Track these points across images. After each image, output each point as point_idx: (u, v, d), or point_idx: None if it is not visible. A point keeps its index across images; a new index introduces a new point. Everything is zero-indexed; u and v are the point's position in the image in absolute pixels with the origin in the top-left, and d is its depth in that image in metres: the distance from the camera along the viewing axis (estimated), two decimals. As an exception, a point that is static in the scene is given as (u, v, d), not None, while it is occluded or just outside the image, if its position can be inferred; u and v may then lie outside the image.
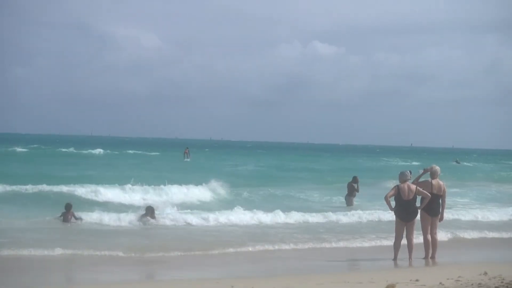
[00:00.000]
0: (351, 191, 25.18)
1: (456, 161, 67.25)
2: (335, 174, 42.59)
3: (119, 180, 26.85)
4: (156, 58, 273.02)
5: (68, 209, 18.63)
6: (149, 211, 18.88)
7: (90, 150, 69.55)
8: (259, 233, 17.57)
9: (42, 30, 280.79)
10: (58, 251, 13.68)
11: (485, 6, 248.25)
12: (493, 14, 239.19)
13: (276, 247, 15.46)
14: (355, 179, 25.52)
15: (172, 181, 27.14)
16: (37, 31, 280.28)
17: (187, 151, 66.72)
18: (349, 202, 24.79)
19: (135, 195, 24.64)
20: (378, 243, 16.47)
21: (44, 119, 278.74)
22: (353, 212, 21.63)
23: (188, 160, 63.73)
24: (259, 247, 15.25)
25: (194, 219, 19.24)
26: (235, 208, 21.20)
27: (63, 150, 71.43)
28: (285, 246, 15.60)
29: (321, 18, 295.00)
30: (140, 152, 76.68)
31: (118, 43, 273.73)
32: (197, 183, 27.59)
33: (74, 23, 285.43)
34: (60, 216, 18.49)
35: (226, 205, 23.31)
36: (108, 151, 72.50)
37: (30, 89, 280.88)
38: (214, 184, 27.91)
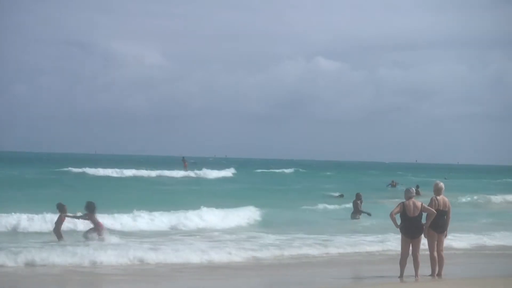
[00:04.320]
0: (357, 209, 25.25)
1: (445, 178, 67.27)
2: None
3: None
4: (159, 75, 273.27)
5: (93, 211, 17.90)
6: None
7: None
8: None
9: (43, 47, 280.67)
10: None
11: (490, 21, 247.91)
12: (498, 29, 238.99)
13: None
14: (358, 196, 25.61)
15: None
16: (38, 48, 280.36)
17: (186, 164, 67.21)
18: (354, 220, 24.79)
19: None
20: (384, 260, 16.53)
21: (47, 137, 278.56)
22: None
23: (187, 171, 64.31)
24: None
25: None
26: None
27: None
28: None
29: (325, 34, 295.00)
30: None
31: (120, 60, 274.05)
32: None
33: (75, 40, 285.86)
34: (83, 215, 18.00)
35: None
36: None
37: (31, 107, 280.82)
38: None
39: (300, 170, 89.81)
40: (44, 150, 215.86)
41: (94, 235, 17.61)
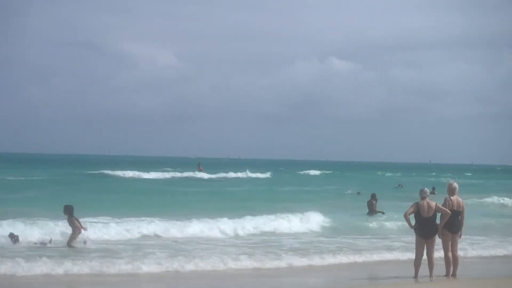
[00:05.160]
0: (371, 209, 25.32)
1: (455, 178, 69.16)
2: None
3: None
4: (172, 76, 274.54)
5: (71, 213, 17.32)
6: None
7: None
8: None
9: (56, 49, 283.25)
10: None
11: (502, 21, 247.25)
12: (510, 29, 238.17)
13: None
14: (373, 197, 25.69)
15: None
16: (51, 50, 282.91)
17: (201, 168, 67.95)
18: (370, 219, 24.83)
19: None
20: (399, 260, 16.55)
21: (61, 139, 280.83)
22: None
23: (202, 173, 64.98)
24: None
25: None
26: None
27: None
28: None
29: (338, 35, 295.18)
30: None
31: (133, 61, 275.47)
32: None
33: (88, 42, 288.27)
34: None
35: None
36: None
37: (46, 109, 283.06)
38: None
39: (326, 172, 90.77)
40: (57, 152, 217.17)
41: (75, 241, 17.18)
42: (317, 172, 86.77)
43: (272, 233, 21.61)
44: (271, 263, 15.56)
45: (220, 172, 69.44)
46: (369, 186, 47.97)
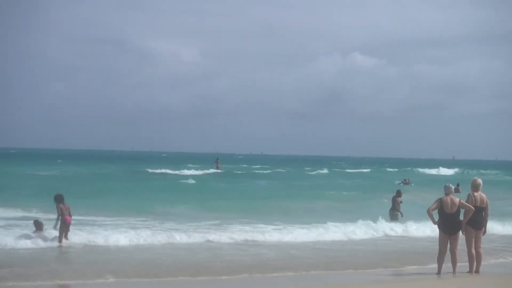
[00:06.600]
0: (395, 205, 25.14)
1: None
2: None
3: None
4: (195, 73, 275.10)
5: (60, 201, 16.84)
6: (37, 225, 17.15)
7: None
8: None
9: (79, 46, 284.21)
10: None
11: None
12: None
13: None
14: (398, 193, 25.51)
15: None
16: (74, 47, 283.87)
17: (218, 164, 67.82)
18: (392, 217, 24.65)
19: None
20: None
21: (83, 135, 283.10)
22: None
23: (219, 170, 64.82)
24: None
25: None
26: None
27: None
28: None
29: (361, 30, 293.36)
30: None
31: (156, 58, 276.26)
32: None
33: (111, 38, 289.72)
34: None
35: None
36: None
37: (68, 105, 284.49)
38: None
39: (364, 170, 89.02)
40: (79, 148, 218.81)
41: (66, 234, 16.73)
42: (367, 170, 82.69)
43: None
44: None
45: (268, 168, 69.31)
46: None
